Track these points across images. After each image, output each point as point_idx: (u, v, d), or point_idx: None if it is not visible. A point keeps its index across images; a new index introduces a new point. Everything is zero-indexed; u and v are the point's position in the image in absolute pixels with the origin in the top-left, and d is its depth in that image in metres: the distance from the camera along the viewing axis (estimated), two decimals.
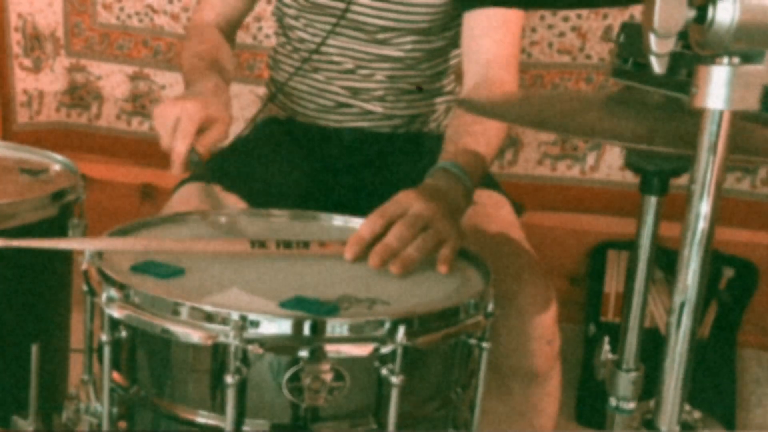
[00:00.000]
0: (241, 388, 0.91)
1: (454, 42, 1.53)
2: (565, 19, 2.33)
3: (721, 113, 0.73)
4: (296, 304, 0.95)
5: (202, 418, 0.95)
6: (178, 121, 1.18)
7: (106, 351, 0.97)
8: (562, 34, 2.35)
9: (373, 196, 1.21)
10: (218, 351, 0.92)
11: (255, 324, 0.89)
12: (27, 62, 2.64)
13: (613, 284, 2.30)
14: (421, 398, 0.99)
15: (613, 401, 1.08)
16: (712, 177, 0.75)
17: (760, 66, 0.72)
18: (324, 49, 1.53)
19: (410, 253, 1.07)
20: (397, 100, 1.55)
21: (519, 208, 1.49)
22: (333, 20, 1.49)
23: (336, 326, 0.90)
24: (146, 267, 1.03)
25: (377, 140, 1.56)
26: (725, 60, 0.72)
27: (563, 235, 2.35)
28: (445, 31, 1.52)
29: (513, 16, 1.45)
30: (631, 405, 1.07)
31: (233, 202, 1.39)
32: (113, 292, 0.96)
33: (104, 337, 0.97)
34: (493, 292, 1.03)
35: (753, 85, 0.72)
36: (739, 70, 0.71)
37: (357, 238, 1.09)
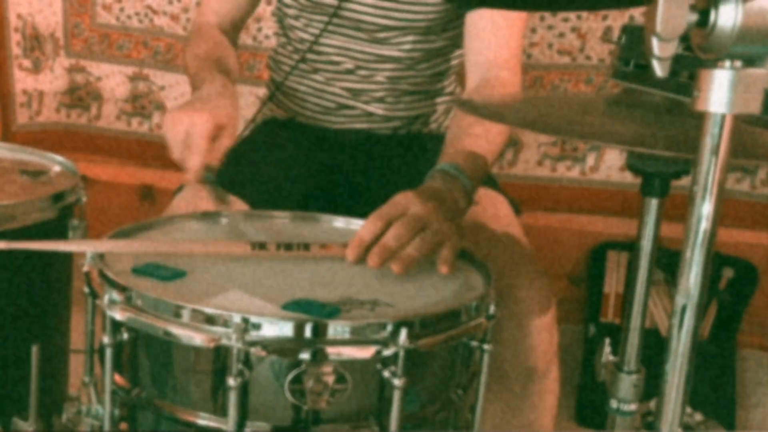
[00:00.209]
0: (243, 390, 0.91)
1: (455, 42, 1.54)
2: (565, 20, 2.33)
3: (723, 117, 0.73)
4: (298, 306, 0.95)
5: (204, 420, 0.95)
6: (189, 136, 1.20)
7: (108, 353, 0.97)
8: (561, 35, 2.36)
9: (374, 197, 1.21)
10: (220, 353, 0.92)
11: (257, 326, 0.89)
12: (27, 63, 2.64)
13: (612, 285, 2.30)
14: (422, 400, 0.99)
15: (614, 403, 1.08)
16: (714, 179, 0.75)
17: (762, 69, 0.72)
18: (323, 49, 1.53)
19: (409, 253, 1.07)
20: (397, 102, 1.55)
21: (517, 207, 1.49)
22: (333, 20, 1.49)
23: (338, 328, 0.90)
24: (148, 269, 1.03)
25: (378, 142, 1.57)
26: (727, 64, 0.72)
27: (563, 235, 2.35)
28: (446, 31, 1.52)
29: (515, 16, 1.45)
30: (632, 407, 1.07)
31: (234, 203, 1.39)
32: (115, 295, 0.96)
33: (106, 340, 0.97)
34: (494, 294, 1.03)
35: (755, 88, 0.72)
36: (741, 73, 0.72)
37: (357, 240, 1.09)
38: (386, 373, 0.91)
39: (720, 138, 0.74)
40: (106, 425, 1.00)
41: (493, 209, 1.43)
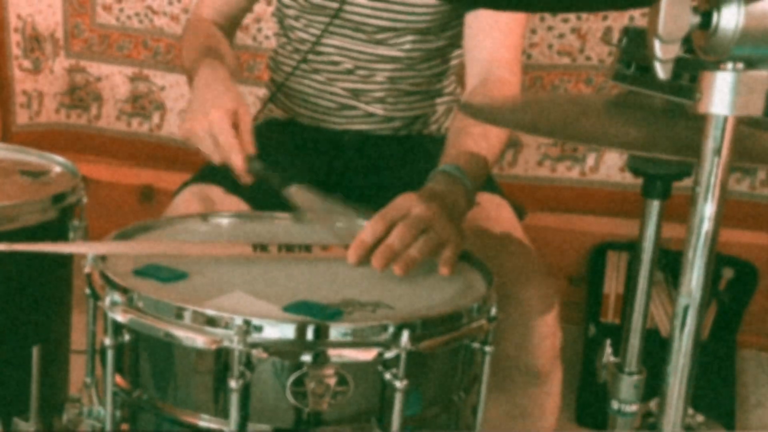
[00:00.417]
0: (245, 392, 0.91)
1: (454, 42, 1.54)
2: (565, 21, 2.33)
3: (725, 119, 0.73)
4: (300, 308, 0.95)
5: (205, 422, 0.95)
6: (214, 137, 1.21)
7: (110, 355, 0.97)
8: (561, 36, 2.36)
9: (375, 198, 1.21)
10: (222, 355, 0.92)
11: (258, 328, 0.89)
12: (26, 63, 2.64)
13: (613, 285, 2.30)
14: (424, 402, 0.99)
15: (615, 404, 1.08)
16: (716, 181, 0.75)
17: (764, 72, 0.72)
18: (323, 49, 1.53)
19: (411, 254, 1.07)
20: (397, 102, 1.55)
21: (520, 212, 1.49)
22: (334, 20, 1.49)
23: (340, 330, 0.90)
24: (149, 271, 1.03)
25: (378, 143, 1.57)
26: (729, 66, 0.72)
27: (563, 236, 2.35)
28: (445, 31, 1.52)
29: (515, 16, 1.45)
30: (634, 407, 1.07)
31: (235, 204, 1.39)
32: (116, 296, 0.96)
33: (107, 341, 0.97)
34: (496, 296, 1.03)
35: (757, 90, 0.72)
36: (744, 75, 0.72)
37: (359, 241, 1.09)
38: (388, 375, 0.91)
39: (722, 140, 0.74)
40: (108, 426, 1.00)
41: (496, 214, 1.44)
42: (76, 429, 1.05)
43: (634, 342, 1.08)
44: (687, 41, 0.73)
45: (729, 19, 0.70)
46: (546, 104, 1.12)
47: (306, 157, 1.55)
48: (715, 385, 2.15)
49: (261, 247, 1.10)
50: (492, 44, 1.44)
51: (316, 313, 0.94)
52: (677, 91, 0.92)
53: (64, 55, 2.67)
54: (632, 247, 1.07)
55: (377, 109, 1.55)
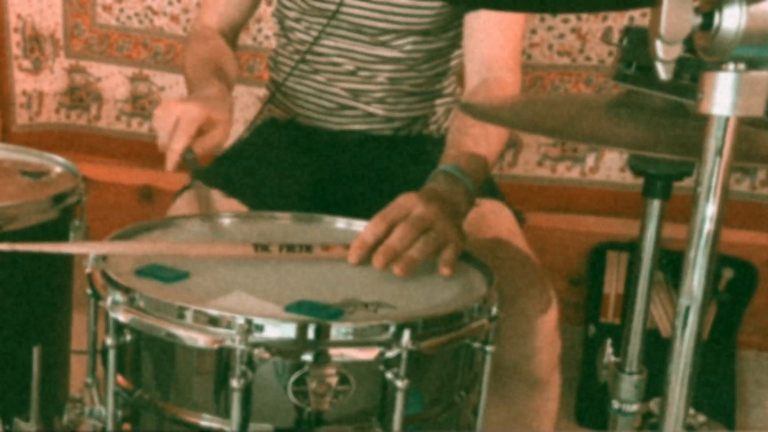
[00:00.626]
0: (246, 392, 0.91)
1: (455, 43, 1.54)
2: (565, 21, 2.33)
3: (726, 120, 0.73)
4: (301, 307, 0.95)
5: (207, 421, 0.95)
6: (178, 122, 1.19)
7: (111, 355, 0.97)
8: (561, 36, 2.36)
9: (375, 198, 1.21)
10: (223, 355, 0.92)
11: (260, 328, 0.89)
12: (26, 63, 2.64)
13: (612, 285, 2.31)
14: (425, 402, 0.99)
15: (615, 404, 1.08)
16: (718, 182, 0.76)
17: (765, 72, 0.72)
18: (324, 50, 1.53)
19: (412, 255, 1.07)
20: (397, 102, 1.55)
21: (520, 217, 1.49)
22: (333, 22, 1.49)
23: (341, 330, 0.91)
24: (150, 270, 1.03)
25: (378, 143, 1.57)
26: (731, 66, 0.72)
27: (563, 236, 2.35)
28: (446, 32, 1.52)
29: (515, 16, 1.45)
30: (634, 407, 1.08)
31: (235, 206, 1.39)
32: (118, 296, 0.96)
33: (109, 341, 0.97)
34: (497, 295, 1.03)
35: (758, 91, 0.72)
36: (745, 76, 0.72)
37: (360, 241, 1.09)
38: (389, 375, 0.91)
39: (724, 140, 0.74)
40: (109, 426, 1.00)
41: (495, 218, 1.43)
42: (76, 429, 1.05)
43: (635, 342, 1.08)
44: (688, 41, 0.73)
45: (731, 20, 0.70)
46: (546, 104, 1.12)
47: (306, 157, 1.55)
48: (715, 385, 2.15)
49: (262, 247, 1.10)
50: (492, 44, 1.44)
51: (317, 313, 0.94)
52: (678, 91, 0.92)
53: (64, 56, 2.67)
54: (632, 247, 1.07)
55: (377, 110, 1.55)
